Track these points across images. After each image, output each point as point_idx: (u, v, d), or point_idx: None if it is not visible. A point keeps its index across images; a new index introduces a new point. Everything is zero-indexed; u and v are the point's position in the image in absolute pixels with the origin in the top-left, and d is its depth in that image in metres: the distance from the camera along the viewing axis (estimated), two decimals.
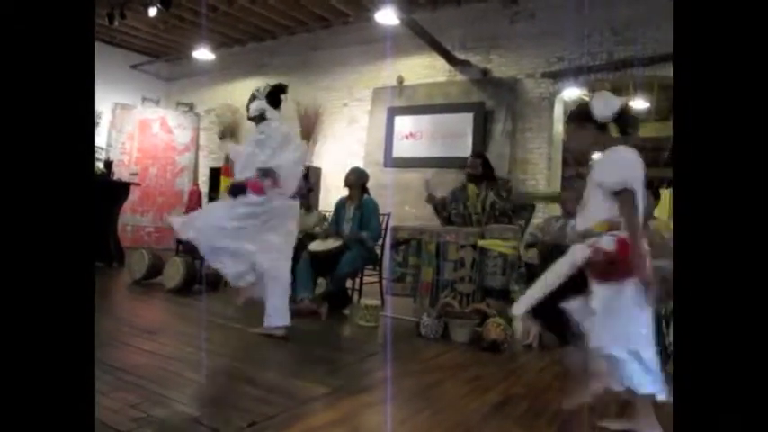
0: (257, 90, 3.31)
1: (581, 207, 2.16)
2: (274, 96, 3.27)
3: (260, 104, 3.24)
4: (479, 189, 4.23)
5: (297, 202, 3.32)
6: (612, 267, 1.92)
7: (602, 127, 2.10)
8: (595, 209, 2.04)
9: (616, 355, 1.89)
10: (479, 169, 4.27)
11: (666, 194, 3.81)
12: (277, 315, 3.09)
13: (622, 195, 1.94)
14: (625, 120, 2.09)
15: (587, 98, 2.21)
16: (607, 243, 1.94)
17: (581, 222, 2.10)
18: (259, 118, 3.25)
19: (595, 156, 2.14)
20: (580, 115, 2.14)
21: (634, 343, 1.89)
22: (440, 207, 4.38)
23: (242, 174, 3.16)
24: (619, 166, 1.98)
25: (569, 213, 3.71)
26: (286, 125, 3.45)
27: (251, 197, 3.09)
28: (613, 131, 2.14)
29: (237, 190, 3.12)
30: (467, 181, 4.34)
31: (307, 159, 3.33)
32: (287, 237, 3.22)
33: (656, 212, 3.63)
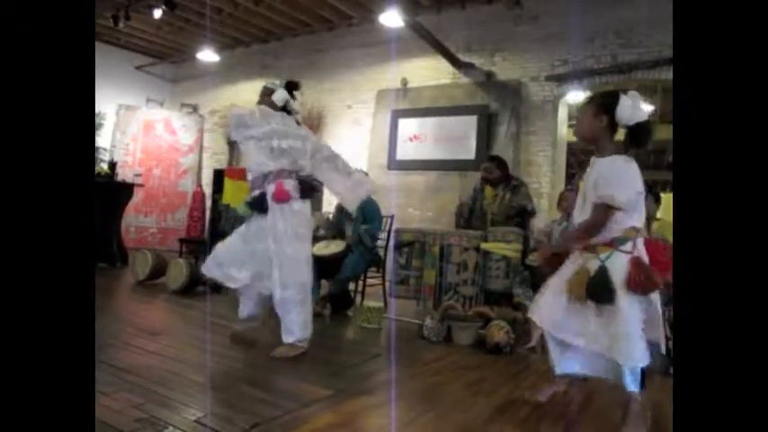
0: (273, 83, 2.98)
1: (579, 210, 2.15)
2: (290, 90, 2.98)
3: (284, 94, 2.91)
4: (497, 190, 4.26)
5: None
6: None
7: (614, 125, 2.02)
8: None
9: None
10: (495, 173, 4.28)
11: (665, 198, 3.80)
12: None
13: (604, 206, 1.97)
14: (641, 132, 2.00)
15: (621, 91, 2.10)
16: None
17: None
18: (282, 110, 2.91)
19: (599, 160, 2.08)
20: (602, 105, 2.04)
21: None
22: (458, 213, 4.40)
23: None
24: (629, 185, 1.95)
25: (570, 215, 3.70)
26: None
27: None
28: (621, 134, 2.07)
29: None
30: (483, 184, 4.35)
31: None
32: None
33: (659, 214, 3.62)
